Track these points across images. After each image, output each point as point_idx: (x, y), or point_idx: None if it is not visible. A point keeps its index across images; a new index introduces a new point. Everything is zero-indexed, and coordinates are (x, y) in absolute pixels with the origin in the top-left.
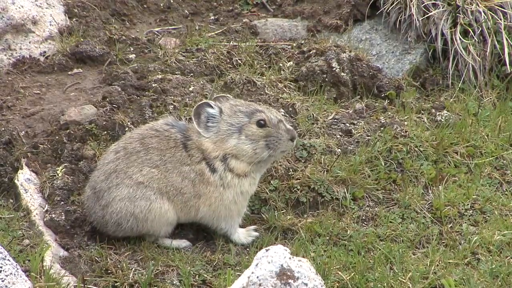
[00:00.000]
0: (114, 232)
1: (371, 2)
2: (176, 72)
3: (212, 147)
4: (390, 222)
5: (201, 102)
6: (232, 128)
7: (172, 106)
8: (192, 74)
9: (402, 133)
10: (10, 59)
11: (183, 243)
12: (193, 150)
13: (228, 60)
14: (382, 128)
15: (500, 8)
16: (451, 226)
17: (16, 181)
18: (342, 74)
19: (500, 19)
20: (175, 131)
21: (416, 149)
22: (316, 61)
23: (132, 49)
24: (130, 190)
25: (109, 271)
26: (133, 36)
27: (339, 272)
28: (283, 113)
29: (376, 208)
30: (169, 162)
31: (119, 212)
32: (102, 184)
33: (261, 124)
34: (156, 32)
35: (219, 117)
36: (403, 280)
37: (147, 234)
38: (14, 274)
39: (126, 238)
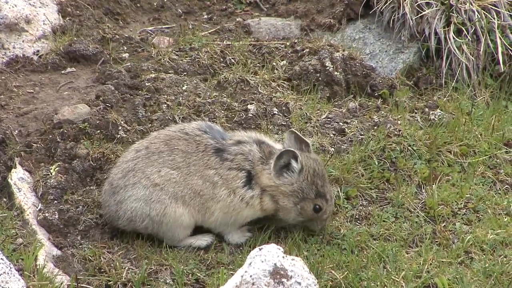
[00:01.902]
0: (124, 227)
1: (364, 1)
2: (170, 71)
3: (268, 186)
4: (384, 221)
5: (291, 149)
6: (299, 194)
7: (165, 105)
8: (185, 73)
9: (396, 132)
10: (3, 58)
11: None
12: (237, 157)
13: (222, 59)
14: (375, 127)
15: (493, 7)
16: (444, 225)
17: (9, 180)
18: (336, 73)
19: (494, 18)
20: (207, 136)
21: (409, 148)
22: (309, 60)
23: (125, 48)
24: (146, 192)
25: (102, 270)
26: (127, 35)
27: (333, 271)
28: (276, 112)
29: (369, 207)
30: (193, 165)
31: (133, 211)
32: (119, 181)
33: (316, 209)
34: (150, 31)
35: (296, 174)
36: (396, 279)
37: (166, 237)
38: (7, 273)
39: (120, 237)
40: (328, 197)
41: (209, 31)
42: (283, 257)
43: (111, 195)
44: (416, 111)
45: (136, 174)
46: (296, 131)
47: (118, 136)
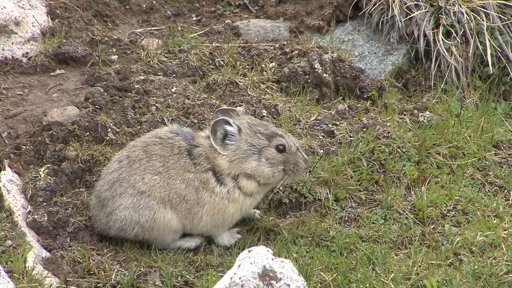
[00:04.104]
0: (115, 235)
1: (353, 3)
2: (159, 73)
3: (228, 165)
4: (373, 223)
5: (218, 118)
6: (252, 149)
7: (154, 107)
8: (174, 75)
9: (385, 134)
10: None
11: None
12: (200, 159)
13: (211, 61)
14: (364, 129)
15: (482, 9)
16: (433, 227)
17: None
18: (325, 75)
19: (483, 20)
20: (179, 138)
21: (398, 150)
22: (298, 62)
23: (114, 50)
24: (134, 199)
25: (91, 272)
26: (116, 37)
27: (322, 273)
28: (265, 114)
29: (358, 209)
30: (172, 168)
31: (123, 220)
32: (106, 193)
33: (280, 149)
34: (139, 33)
35: (237, 135)
36: (386, 281)
37: (156, 242)
38: None
39: (109, 239)
40: (280, 133)
41: (198, 33)
42: (272, 259)
43: (101, 209)
44: (405, 113)
45: (121, 184)
46: (220, 108)
47: (107, 138)
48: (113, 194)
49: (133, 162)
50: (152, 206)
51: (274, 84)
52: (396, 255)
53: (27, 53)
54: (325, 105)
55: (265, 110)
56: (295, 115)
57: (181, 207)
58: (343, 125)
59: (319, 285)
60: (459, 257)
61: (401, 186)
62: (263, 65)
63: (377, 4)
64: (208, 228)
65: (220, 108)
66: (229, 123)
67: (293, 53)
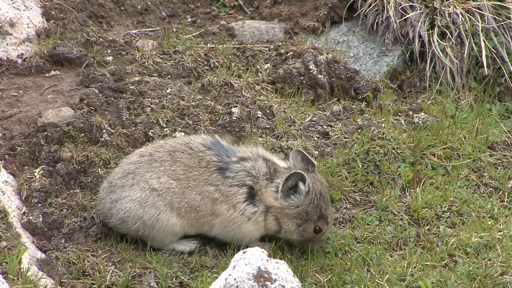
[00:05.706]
0: (115, 226)
1: (348, 4)
2: (154, 74)
3: (273, 204)
4: (367, 224)
5: (299, 171)
6: (303, 216)
7: (149, 108)
8: (169, 76)
9: (380, 135)
10: None
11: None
12: (239, 175)
13: (206, 62)
14: (359, 130)
15: (477, 10)
16: (428, 228)
17: None
18: (320, 76)
19: (478, 21)
20: (210, 153)
21: (393, 151)
22: (293, 63)
23: (109, 51)
24: (143, 194)
25: (86, 273)
26: (111, 38)
27: (316, 274)
28: (260, 115)
29: (353, 210)
30: (193, 179)
31: (127, 211)
32: (118, 181)
33: (316, 230)
34: (134, 34)
35: (303, 197)
36: (380, 282)
37: (153, 241)
38: None
39: (104, 240)
40: (329, 220)
41: (193, 34)
42: (267, 260)
43: (108, 193)
44: (400, 114)
45: (135, 177)
46: (302, 150)
47: (102, 139)
48: (124, 184)
49: (154, 161)
50: (159, 207)
51: (269, 85)
52: (391, 256)
53: (22, 54)
54: (320, 106)
55: (260, 111)
56: (290, 116)
57: (189, 216)
58: (338, 126)
59: (314, 286)
60: (454, 258)
61: (396, 187)
62: (258, 66)
63: (372, 5)
64: (220, 235)
65: (302, 151)
66: (304, 182)
67: (288, 54)
